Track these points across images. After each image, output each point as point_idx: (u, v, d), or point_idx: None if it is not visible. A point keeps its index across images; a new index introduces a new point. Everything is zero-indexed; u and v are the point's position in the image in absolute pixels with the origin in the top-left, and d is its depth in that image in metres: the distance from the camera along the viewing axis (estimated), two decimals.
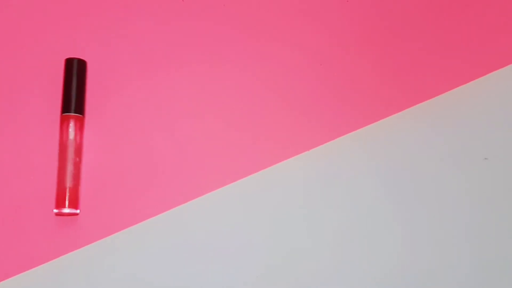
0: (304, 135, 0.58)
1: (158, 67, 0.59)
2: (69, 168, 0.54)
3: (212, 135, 0.58)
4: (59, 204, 0.54)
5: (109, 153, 0.57)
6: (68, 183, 0.54)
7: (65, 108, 0.55)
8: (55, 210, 0.54)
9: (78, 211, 0.54)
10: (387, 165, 0.58)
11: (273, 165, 0.57)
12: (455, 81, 0.61)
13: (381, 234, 0.56)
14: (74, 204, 0.54)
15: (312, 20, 0.62)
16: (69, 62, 0.56)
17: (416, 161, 0.58)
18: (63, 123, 0.55)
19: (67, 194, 0.54)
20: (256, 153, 0.57)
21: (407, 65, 0.61)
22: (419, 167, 0.58)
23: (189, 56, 0.60)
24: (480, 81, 0.61)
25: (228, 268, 0.55)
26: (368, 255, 0.56)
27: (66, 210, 0.53)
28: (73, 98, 0.55)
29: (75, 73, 0.55)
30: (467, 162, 0.58)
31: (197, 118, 0.58)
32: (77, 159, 0.54)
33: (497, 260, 0.57)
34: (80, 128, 0.55)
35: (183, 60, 0.60)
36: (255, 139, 0.58)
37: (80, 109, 0.55)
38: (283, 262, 0.55)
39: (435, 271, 0.56)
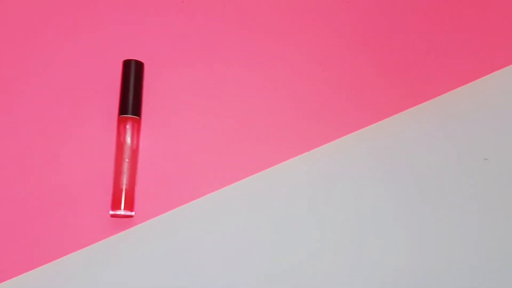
0: (307, 135, 0.58)
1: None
2: (125, 169, 0.54)
3: (215, 135, 0.57)
4: (115, 205, 0.53)
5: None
6: (124, 185, 0.54)
7: (122, 109, 0.55)
8: (111, 212, 0.54)
9: (133, 213, 0.54)
10: (389, 164, 0.58)
11: (276, 165, 0.57)
12: (456, 81, 0.61)
13: (383, 233, 0.56)
14: (129, 206, 0.54)
15: (312, 21, 0.61)
16: (126, 64, 0.56)
17: (417, 160, 0.58)
18: (120, 124, 0.55)
19: (123, 196, 0.53)
20: (259, 153, 0.57)
21: (408, 65, 0.61)
22: (420, 167, 0.58)
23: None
24: (481, 81, 0.61)
25: (229, 267, 0.54)
26: (371, 254, 0.56)
27: (121, 212, 0.53)
28: (130, 100, 0.55)
29: (132, 74, 0.55)
30: (467, 162, 0.58)
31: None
32: (133, 161, 0.54)
33: (497, 260, 0.57)
34: (136, 130, 0.55)
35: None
36: (257, 139, 0.58)
37: (137, 111, 0.55)
38: (286, 261, 0.55)
39: (439, 271, 0.56)
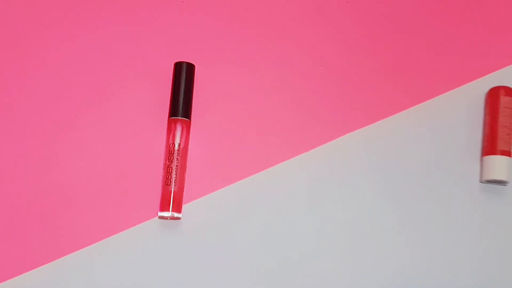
0: (307, 135, 0.58)
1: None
2: (174, 172, 0.54)
3: (215, 135, 0.57)
4: (163, 207, 0.54)
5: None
6: (173, 187, 0.54)
7: (173, 111, 0.55)
8: (159, 213, 0.54)
9: (180, 215, 0.54)
10: (389, 164, 0.58)
11: (276, 165, 0.57)
12: (456, 81, 0.60)
13: (383, 232, 0.56)
14: (177, 208, 0.54)
15: (313, 21, 0.61)
16: (178, 66, 0.56)
17: (416, 160, 0.58)
18: (170, 126, 0.55)
19: (171, 197, 0.54)
20: (258, 153, 0.57)
21: (407, 65, 0.60)
22: (419, 167, 0.58)
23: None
24: (481, 81, 0.60)
25: (228, 267, 0.54)
26: (371, 254, 0.56)
27: (169, 214, 0.53)
28: (181, 102, 0.55)
29: (183, 76, 0.55)
30: (466, 163, 0.58)
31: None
32: (183, 164, 0.54)
33: (498, 261, 0.56)
34: (186, 132, 0.55)
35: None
36: (257, 139, 0.57)
37: (187, 113, 0.55)
38: (286, 261, 0.55)
39: (438, 271, 0.56)
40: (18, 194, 0.55)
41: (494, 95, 0.57)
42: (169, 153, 0.54)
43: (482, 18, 0.62)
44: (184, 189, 0.55)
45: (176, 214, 0.54)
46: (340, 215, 0.56)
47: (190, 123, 0.56)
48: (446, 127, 0.59)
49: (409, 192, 0.57)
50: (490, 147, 0.56)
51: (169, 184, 0.54)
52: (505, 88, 0.57)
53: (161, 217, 0.54)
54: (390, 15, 0.61)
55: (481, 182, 0.57)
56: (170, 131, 0.55)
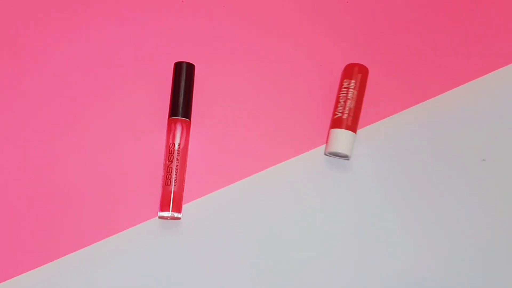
0: (305, 135, 0.58)
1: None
2: (174, 172, 0.54)
3: (212, 137, 0.57)
4: (163, 207, 0.54)
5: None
6: (173, 187, 0.54)
7: (173, 111, 0.55)
8: (159, 213, 0.54)
9: (180, 215, 0.54)
10: (388, 163, 0.58)
11: (274, 166, 0.57)
12: (454, 81, 0.60)
13: (383, 233, 0.56)
14: (177, 208, 0.54)
15: (312, 21, 0.61)
16: (178, 66, 0.56)
17: (415, 160, 0.58)
18: (170, 126, 0.55)
19: (171, 197, 0.54)
20: (257, 154, 0.57)
21: (406, 65, 0.60)
22: (418, 167, 0.58)
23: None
24: (480, 81, 0.60)
25: (227, 267, 0.54)
26: (371, 254, 0.56)
27: (169, 214, 0.53)
28: (181, 102, 0.55)
29: (183, 76, 0.55)
30: (464, 163, 0.58)
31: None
32: (183, 164, 0.54)
33: (497, 262, 0.56)
34: (186, 132, 0.55)
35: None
36: (256, 140, 0.57)
37: (187, 113, 0.55)
38: (285, 262, 0.55)
39: (436, 272, 0.56)
40: (18, 194, 0.55)
41: (344, 72, 0.57)
42: (169, 153, 0.54)
43: (482, 18, 0.62)
44: (184, 189, 0.55)
45: (176, 214, 0.54)
46: (340, 215, 0.56)
47: (190, 123, 0.56)
48: (446, 127, 0.59)
49: (410, 192, 0.57)
50: (334, 121, 0.56)
51: (169, 184, 0.54)
52: (358, 66, 0.57)
53: (161, 217, 0.54)
54: (390, 15, 0.61)
55: (325, 154, 0.57)
56: (170, 131, 0.55)
